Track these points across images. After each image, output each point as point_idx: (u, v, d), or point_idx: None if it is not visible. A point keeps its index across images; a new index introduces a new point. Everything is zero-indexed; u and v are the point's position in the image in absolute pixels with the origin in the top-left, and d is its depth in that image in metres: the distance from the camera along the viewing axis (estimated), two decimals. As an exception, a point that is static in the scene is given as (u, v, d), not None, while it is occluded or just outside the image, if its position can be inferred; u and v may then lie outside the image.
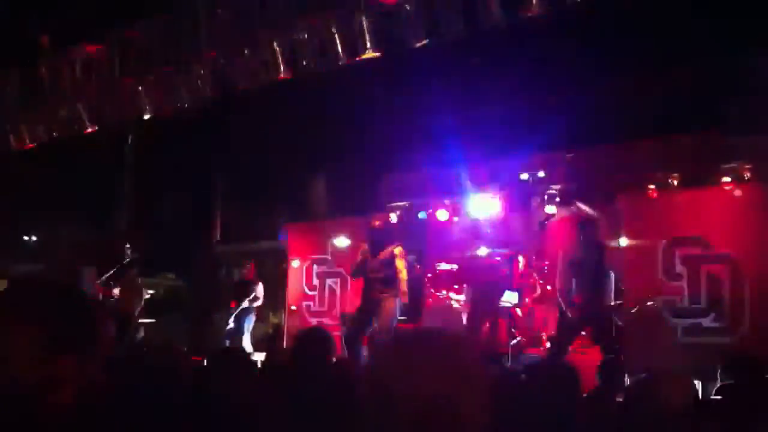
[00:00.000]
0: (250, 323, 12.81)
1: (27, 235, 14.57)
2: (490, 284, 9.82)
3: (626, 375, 7.92)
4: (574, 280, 8.59)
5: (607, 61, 7.80)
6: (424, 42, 6.94)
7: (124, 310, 11.89)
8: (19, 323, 1.65)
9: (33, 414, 1.52)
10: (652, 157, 9.99)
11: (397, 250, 9.04)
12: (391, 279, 8.92)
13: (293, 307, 13.23)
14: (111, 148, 10.32)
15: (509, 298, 10.27)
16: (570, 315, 8.58)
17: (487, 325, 9.69)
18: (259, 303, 13.61)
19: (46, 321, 1.67)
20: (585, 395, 4.48)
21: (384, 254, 9.01)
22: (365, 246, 9.30)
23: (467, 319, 9.90)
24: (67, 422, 1.56)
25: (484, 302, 9.64)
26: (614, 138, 9.35)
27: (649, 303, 8.65)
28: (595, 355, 9.07)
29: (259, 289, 13.37)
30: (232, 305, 13.45)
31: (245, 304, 12.77)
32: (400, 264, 9.00)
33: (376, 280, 9.01)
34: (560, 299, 8.76)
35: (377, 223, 9.10)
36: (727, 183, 9.67)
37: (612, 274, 8.73)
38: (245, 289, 13.49)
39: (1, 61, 9.27)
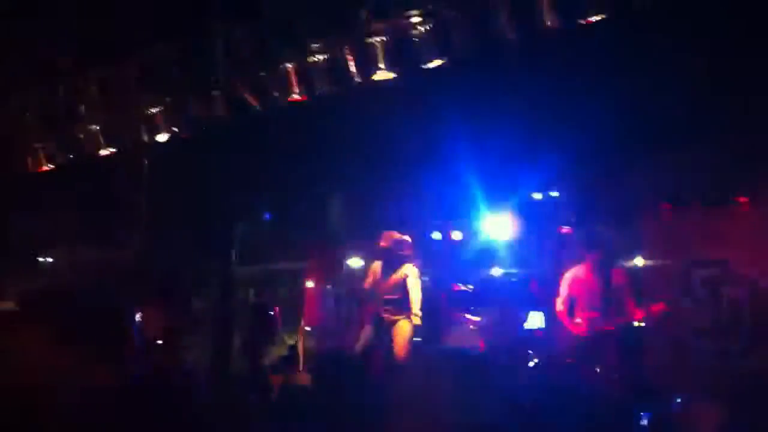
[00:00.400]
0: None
1: (42, 256, 14.61)
2: (512, 306, 9.75)
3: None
4: (576, 299, 8.48)
5: (625, 75, 7.74)
6: (439, 62, 6.93)
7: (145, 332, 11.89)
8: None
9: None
10: (669, 176, 9.90)
11: (411, 270, 8.92)
12: (404, 300, 8.80)
13: (308, 329, 13.20)
14: (127, 170, 10.34)
15: (535, 319, 10.15)
16: (573, 332, 8.49)
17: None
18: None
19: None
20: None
21: (396, 276, 8.90)
22: (376, 266, 9.17)
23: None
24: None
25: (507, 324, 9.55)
26: (631, 156, 9.28)
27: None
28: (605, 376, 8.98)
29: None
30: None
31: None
32: (415, 285, 8.88)
33: (388, 302, 8.90)
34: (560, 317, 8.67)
35: (384, 243, 8.95)
36: (746, 204, 9.58)
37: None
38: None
39: (20, 83, 9.35)
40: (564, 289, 8.61)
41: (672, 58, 7.39)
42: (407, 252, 9.00)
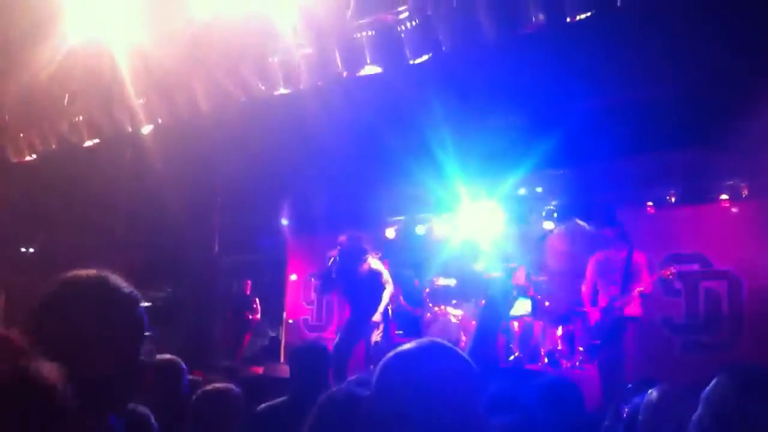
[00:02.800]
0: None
1: (25, 247, 14.53)
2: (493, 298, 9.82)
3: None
4: (600, 282, 8.55)
5: (606, 77, 7.81)
6: (425, 57, 6.97)
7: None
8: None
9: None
10: (650, 173, 10.02)
11: (374, 262, 9.10)
12: (377, 293, 8.97)
13: (290, 321, 13.24)
14: (109, 160, 10.29)
15: (523, 306, 10.23)
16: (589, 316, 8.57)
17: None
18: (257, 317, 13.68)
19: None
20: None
21: (363, 269, 9.06)
22: (334, 254, 9.29)
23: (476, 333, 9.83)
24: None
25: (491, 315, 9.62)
26: (612, 154, 9.37)
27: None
28: (594, 371, 9.08)
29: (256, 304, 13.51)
30: (228, 314, 13.52)
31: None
32: (385, 274, 9.09)
33: (361, 294, 9.05)
34: (584, 299, 8.74)
35: (342, 238, 9.15)
36: (725, 200, 9.71)
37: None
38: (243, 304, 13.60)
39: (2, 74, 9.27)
40: (589, 271, 8.72)
41: (652, 58, 7.46)
42: (365, 246, 9.20)
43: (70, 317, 1.74)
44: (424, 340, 1.84)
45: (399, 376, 1.74)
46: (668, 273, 8.27)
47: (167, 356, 4.01)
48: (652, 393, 3.58)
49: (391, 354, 1.81)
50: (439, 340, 1.84)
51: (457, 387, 1.72)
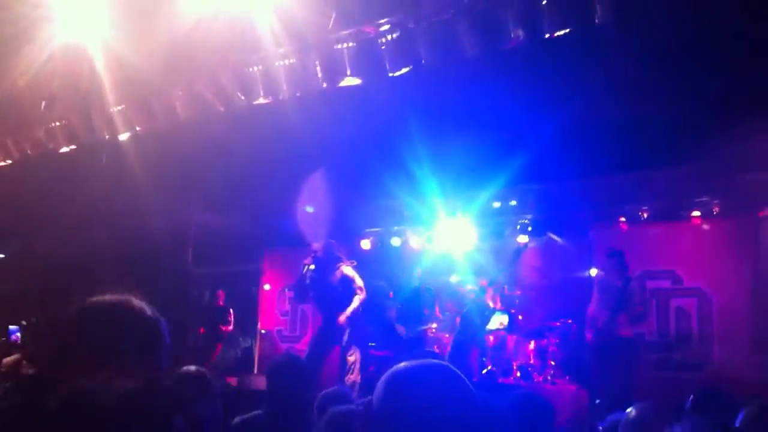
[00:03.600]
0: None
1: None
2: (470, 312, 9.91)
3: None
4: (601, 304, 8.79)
5: (581, 95, 7.90)
6: (404, 70, 7.02)
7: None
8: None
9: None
10: (623, 190, 10.15)
11: (347, 269, 9.14)
12: (349, 300, 9.01)
13: (263, 331, 13.20)
14: (87, 166, 10.22)
15: (499, 320, 10.30)
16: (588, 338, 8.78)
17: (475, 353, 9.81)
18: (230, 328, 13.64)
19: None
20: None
21: (336, 276, 9.10)
22: (308, 261, 9.32)
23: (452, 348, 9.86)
24: None
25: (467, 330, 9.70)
26: (586, 171, 9.48)
27: None
28: (566, 386, 9.15)
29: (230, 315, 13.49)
30: (201, 331, 13.44)
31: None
32: (358, 281, 9.15)
33: (333, 300, 9.08)
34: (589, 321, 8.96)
35: (316, 245, 9.22)
36: (696, 217, 9.86)
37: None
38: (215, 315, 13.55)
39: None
40: (594, 295, 9.03)
41: (627, 77, 7.56)
42: (338, 254, 9.31)
43: (96, 339, 1.78)
44: (426, 360, 1.83)
45: (404, 397, 1.74)
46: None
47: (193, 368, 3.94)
48: (632, 411, 3.63)
49: (392, 372, 1.80)
50: (438, 361, 1.84)
51: (462, 410, 1.73)
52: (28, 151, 9.62)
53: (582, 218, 10.52)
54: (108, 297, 1.89)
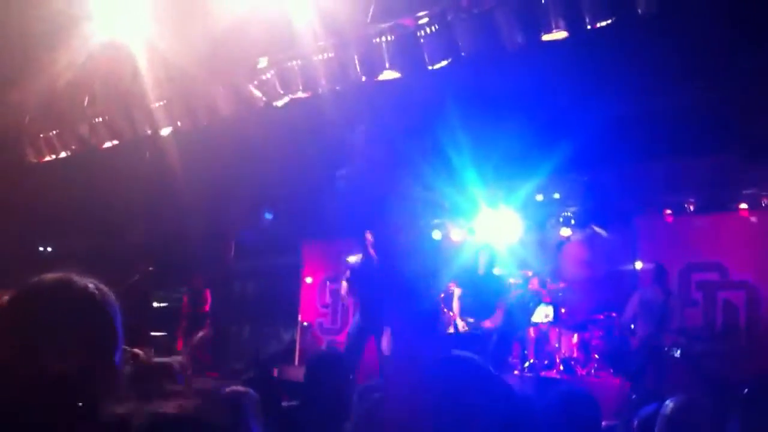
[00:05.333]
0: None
1: (43, 246, 14.62)
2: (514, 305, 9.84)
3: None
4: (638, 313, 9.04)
5: (626, 83, 7.77)
6: (443, 63, 6.95)
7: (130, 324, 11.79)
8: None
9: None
10: (668, 181, 9.97)
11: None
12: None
13: (305, 323, 13.26)
14: (127, 162, 10.34)
15: (545, 311, 10.20)
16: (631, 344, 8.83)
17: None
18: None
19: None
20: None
21: None
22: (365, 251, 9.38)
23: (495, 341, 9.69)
24: None
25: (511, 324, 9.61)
26: (631, 161, 9.32)
27: None
28: (610, 380, 9.05)
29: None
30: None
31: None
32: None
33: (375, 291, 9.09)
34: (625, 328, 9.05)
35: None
36: (744, 209, 9.64)
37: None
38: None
39: (24, 75, 9.33)
40: (636, 306, 9.20)
41: (670, 64, 7.42)
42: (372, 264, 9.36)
43: (36, 318, 1.75)
44: (461, 355, 1.81)
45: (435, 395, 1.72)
46: None
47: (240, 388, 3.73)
48: (669, 405, 3.53)
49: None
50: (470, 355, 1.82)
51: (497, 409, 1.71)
52: (72, 147, 9.74)
53: (626, 210, 10.35)
54: (48, 276, 1.85)
